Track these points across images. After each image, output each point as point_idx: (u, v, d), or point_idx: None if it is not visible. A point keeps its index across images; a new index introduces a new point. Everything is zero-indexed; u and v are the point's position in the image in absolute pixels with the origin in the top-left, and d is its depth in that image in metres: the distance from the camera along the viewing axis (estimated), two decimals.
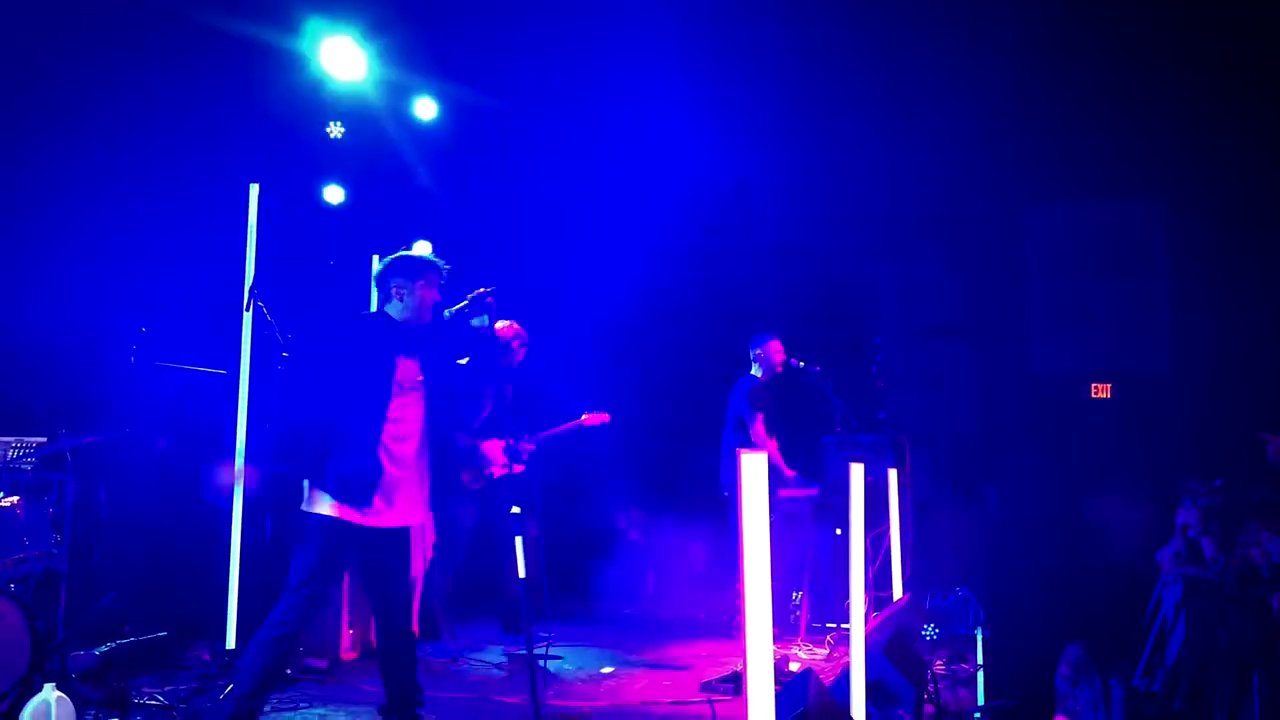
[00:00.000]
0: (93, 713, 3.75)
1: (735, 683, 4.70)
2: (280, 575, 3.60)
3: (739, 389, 6.17)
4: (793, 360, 6.20)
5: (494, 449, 5.56)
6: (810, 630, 6.07)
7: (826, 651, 5.62)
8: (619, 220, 7.84)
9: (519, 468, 5.67)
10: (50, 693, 3.39)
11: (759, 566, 2.20)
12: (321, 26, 6.10)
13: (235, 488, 4.73)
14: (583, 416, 6.03)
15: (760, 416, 6.04)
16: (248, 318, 4.81)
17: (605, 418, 6.08)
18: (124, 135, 5.82)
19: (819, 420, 6.50)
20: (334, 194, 7.23)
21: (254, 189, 4.95)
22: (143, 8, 5.64)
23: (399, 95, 7.07)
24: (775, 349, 6.22)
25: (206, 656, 4.78)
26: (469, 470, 5.49)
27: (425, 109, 7.20)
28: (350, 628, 5.15)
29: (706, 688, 4.76)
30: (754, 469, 2.19)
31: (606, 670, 5.29)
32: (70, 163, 5.67)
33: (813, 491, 6.31)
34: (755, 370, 6.25)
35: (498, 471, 5.56)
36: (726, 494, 6.14)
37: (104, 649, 4.29)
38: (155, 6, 5.60)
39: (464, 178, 7.79)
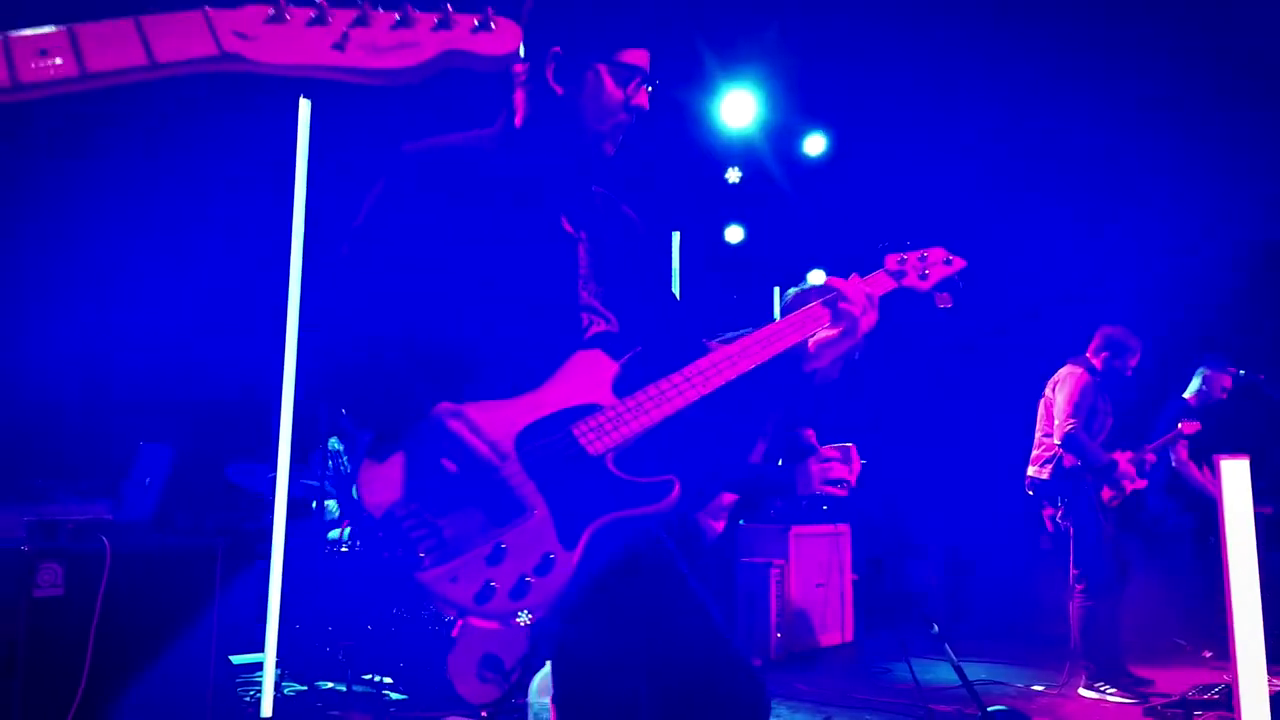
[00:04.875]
0: None
1: (1185, 708, 4.42)
2: None
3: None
4: (1234, 371, 5.76)
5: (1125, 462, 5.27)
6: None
7: None
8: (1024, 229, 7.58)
9: (1143, 482, 5.31)
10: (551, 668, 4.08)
11: (1246, 585, 2.09)
12: (719, 79, 6.68)
13: None
14: (1179, 425, 5.67)
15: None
16: None
17: (1197, 426, 5.69)
18: None
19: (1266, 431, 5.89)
20: (734, 234, 7.80)
21: (676, 236, 5.57)
22: None
23: (788, 135, 7.48)
24: (1224, 382, 5.84)
25: None
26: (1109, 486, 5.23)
27: (814, 145, 7.55)
28: (778, 631, 5.51)
29: (1152, 713, 4.52)
30: (1236, 479, 2.10)
31: (1037, 689, 5.18)
32: None
33: (1266, 510, 5.72)
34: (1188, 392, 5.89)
35: (1129, 487, 5.27)
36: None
37: None
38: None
39: (854, 207, 7.98)
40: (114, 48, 0.84)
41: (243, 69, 0.89)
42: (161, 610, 3.29)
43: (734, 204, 7.71)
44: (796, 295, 3.38)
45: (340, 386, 1.80)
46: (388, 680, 4.72)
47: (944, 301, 2.24)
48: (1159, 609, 6.06)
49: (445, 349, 1.79)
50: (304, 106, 4.60)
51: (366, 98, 5.15)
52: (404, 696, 4.69)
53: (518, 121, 1.93)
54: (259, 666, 4.34)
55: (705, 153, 7.17)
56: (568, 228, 1.93)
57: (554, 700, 1.95)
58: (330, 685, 4.78)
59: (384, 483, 1.65)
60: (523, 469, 1.69)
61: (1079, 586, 5.00)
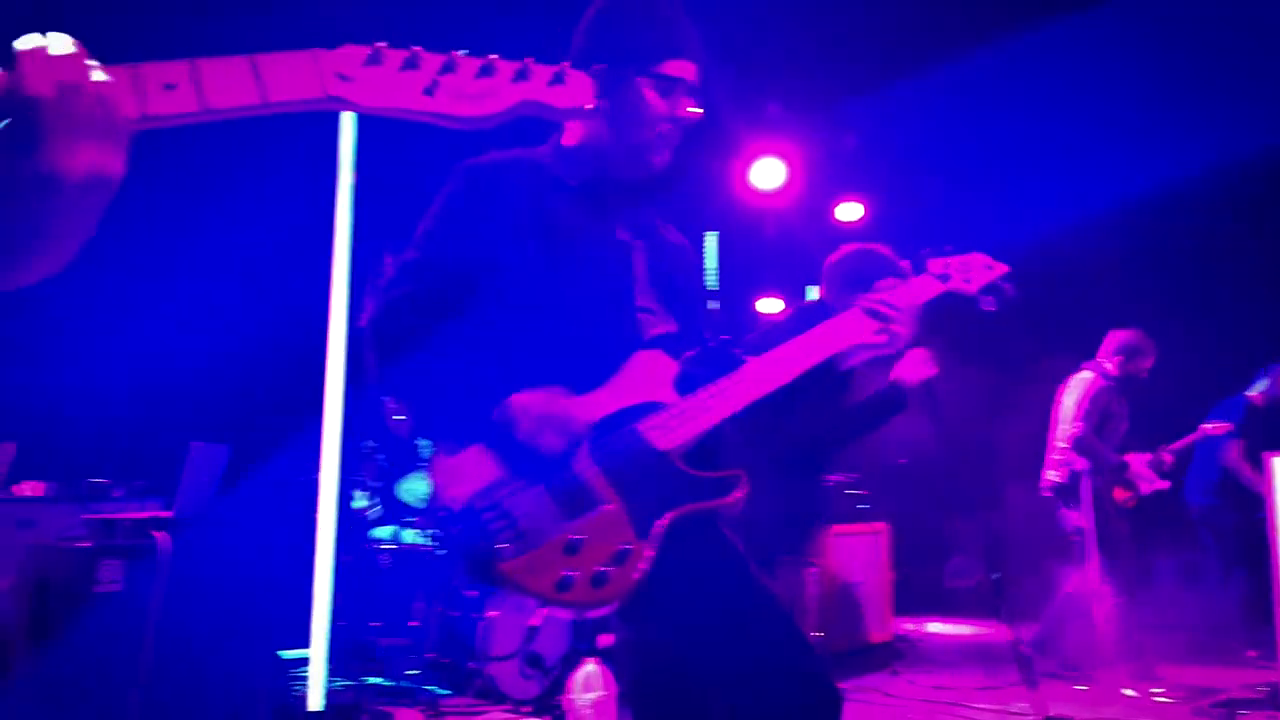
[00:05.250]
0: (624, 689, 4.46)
1: (1230, 707, 4.39)
2: None
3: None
4: None
5: (1140, 464, 5.34)
6: None
7: None
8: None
9: (1164, 483, 5.37)
10: (592, 666, 4.12)
11: None
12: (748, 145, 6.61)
13: None
14: (1206, 425, 5.66)
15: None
16: None
17: (1229, 426, 5.71)
18: None
19: None
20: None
21: (711, 237, 5.60)
22: None
23: (821, 199, 7.33)
24: None
25: None
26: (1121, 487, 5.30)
27: (849, 212, 7.37)
28: (817, 631, 5.51)
29: (1200, 713, 4.48)
30: None
31: (1080, 689, 5.15)
32: None
33: None
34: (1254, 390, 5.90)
35: (1145, 488, 5.33)
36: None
37: None
38: None
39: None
40: (232, 86, 0.90)
41: (343, 109, 0.97)
42: (214, 605, 3.37)
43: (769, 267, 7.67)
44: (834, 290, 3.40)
45: (411, 385, 1.84)
46: (433, 676, 4.80)
47: (989, 305, 2.27)
48: (1202, 608, 6.01)
49: (509, 351, 1.84)
50: (346, 120, 4.69)
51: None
52: (448, 692, 4.76)
53: (567, 139, 2.00)
54: (306, 662, 4.42)
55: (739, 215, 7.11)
56: (623, 236, 1.99)
57: (629, 699, 1.99)
58: (376, 681, 4.86)
59: (459, 475, 1.70)
60: (594, 462, 1.74)
61: (1100, 587, 5.02)
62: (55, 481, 4.46)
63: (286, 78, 0.92)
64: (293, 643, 4.98)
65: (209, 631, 3.32)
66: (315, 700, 4.27)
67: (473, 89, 1.01)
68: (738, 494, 1.78)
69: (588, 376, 1.83)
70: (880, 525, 6.23)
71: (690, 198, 6.18)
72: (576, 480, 1.72)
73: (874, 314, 2.02)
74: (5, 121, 0.82)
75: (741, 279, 7.24)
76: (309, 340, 5.10)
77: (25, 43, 0.83)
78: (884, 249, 3.58)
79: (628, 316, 1.93)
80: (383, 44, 0.97)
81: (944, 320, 2.37)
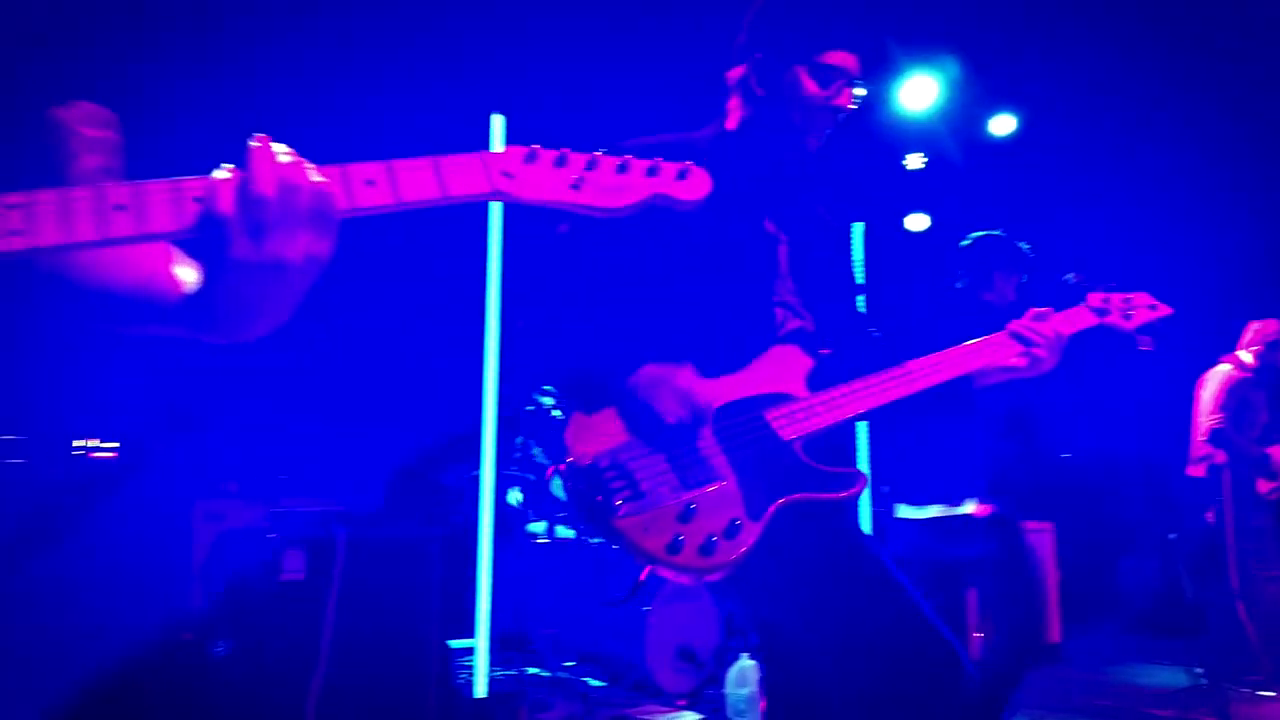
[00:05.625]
0: None
1: None
2: None
3: None
4: None
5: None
6: None
7: None
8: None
9: None
10: (746, 660, 4.13)
11: None
12: (898, 64, 6.52)
13: None
14: None
15: None
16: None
17: None
18: None
19: None
20: (918, 222, 7.61)
21: (857, 227, 5.49)
22: None
23: (974, 116, 7.20)
24: None
25: None
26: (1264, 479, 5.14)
27: (1002, 125, 7.23)
28: (978, 632, 5.34)
29: None
30: None
31: (1246, 692, 4.81)
32: None
33: None
34: None
35: None
36: None
37: None
38: None
39: (1047, 189, 7.62)
40: (419, 182, 1.06)
41: (505, 200, 1.11)
42: (386, 594, 3.55)
43: (916, 191, 7.53)
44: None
45: (559, 354, 1.93)
46: (589, 668, 4.90)
47: (1146, 344, 2.24)
48: None
49: (650, 329, 1.92)
50: (496, 122, 4.84)
51: (560, 112, 5.35)
52: (603, 684, 4.85)
53: (730, 124, 2.05)
54: (470, 651, 4.60)
55: (886, 139, 7.03)
56: (770, 228, 2.02)
57: (761, 686, 2.01)
58: (535, 672, 5.00)
59: (591, 433, 1.78)
60: (716, 441, 1.81)
61: (1249, 583, 4.81)
62: (241, 478, 4.80)
63: (461, 175, 1.08)
64: (458, 632, 5.20)
65: (381, 618, 3.50)
66: (479, 688, 4.43)
67: (611, 183, 1.15)
68: (853, 490, 1.83)
69: (721, 363, 1.89)
70: (1044, 524, 5.99)
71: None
72: (697, 455, 1.78)
73: (1022, 339, 2.05)
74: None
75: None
76: (465, 344, 5.33)
77: (256, 146, 0.97)
78: (1011, 239, 3.63)
79: (765, 309, 1.97)
80: (537, 145, 1.12)
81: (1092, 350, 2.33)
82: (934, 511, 3.48)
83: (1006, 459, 3.48)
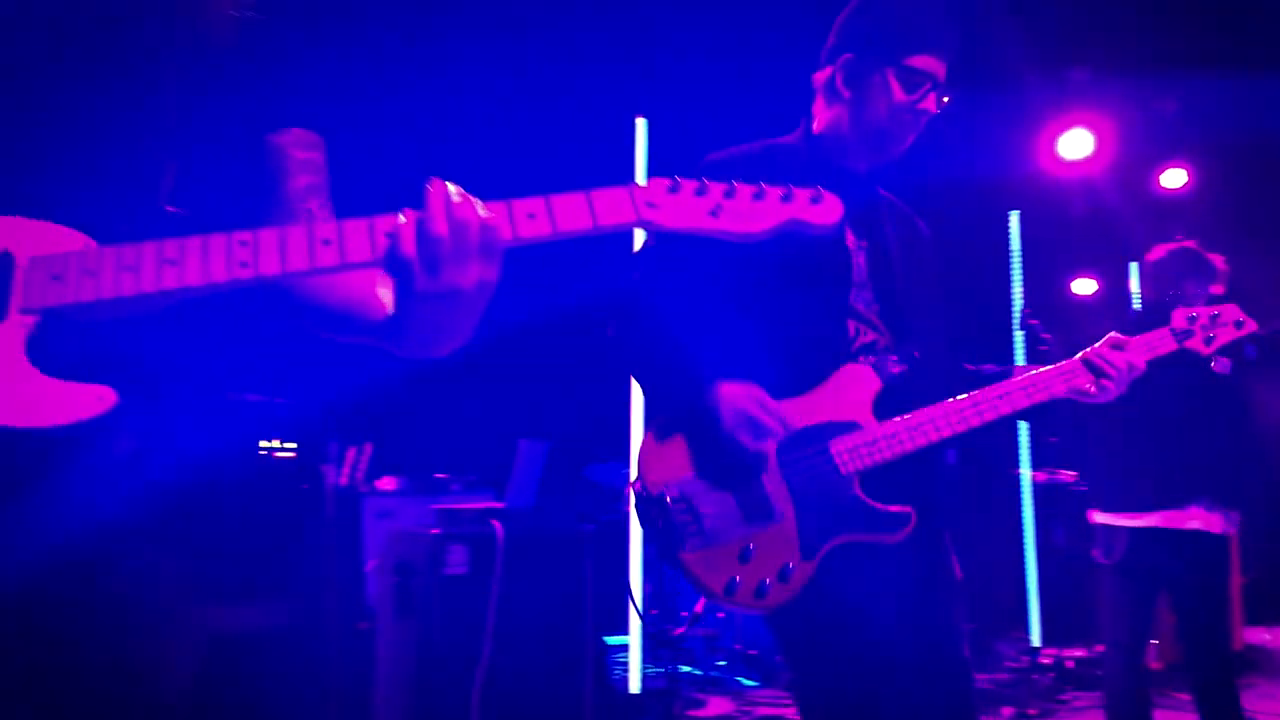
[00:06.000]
0: None
1: None
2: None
3: None
4: None
5: None
6: None
7: None
8: None
9: None
10: None
11: None
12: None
13: None
14: None
15: None
16: (1019, 337, 5.15)
17: None
18: None
19: None
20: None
21: (1014, 215, 5.29)
22: None
23: (1138, 168, 6.59)
24: None
25: (1012, 652, 5.15)
26: None
27: (1173, 179, 6.55)
28: (1155, 639, 5.06)
29: None
30: None
31: None
32: None
33: None
34: None
35: None
36: None
37: None
38: None
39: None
40: (574, 215, 1.15)
41: (649, 229, 1.21)
42: (543, 588, 3.65)
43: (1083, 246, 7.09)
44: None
45: (638, 373, 2.01)
46: (742, 667, 4.90)
47: (1222, 367, 2.25)
48: None
49: (725, 346, 1.92)
50: (640, 126, 4.91)
51: (700, 116, 5.37)
52: (755, 683, 4.85)
53: (815, 127, 2.07)
54: (624, 648, 4.67)
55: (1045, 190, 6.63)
56: (849, 236, 2.01)
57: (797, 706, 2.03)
58: (688, 670, 5.04)
59: (662, 461, 1.84)
60: (781, 477, 1.84)
61: None
62: (406, 476, 5.05)
63: (612, 208, 1.17)
64: (612, 629, 5.29)
65: (539, 613, 3.59)
66: (634, 684, 4.50)
67: (747, 209, 1.22)
68: (903, 532, 1.85)
69: (793, 382, 1.90)
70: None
71: (992, 175, 5.87)
72: (762, 489, 1.82)
73: (1094, 369, 2.03)
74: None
75: (1049, 259, 6.77)
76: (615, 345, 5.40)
77: (431, 190, 1.10)
78: (1197, 247, 3.54)
79: (839, 324, 1.96)
80: (678, 176, 1.21)
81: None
82: (1149, 520, 3.38)
83: (1237, 462, 3.41)
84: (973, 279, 5.95)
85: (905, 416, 1.90)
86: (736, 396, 1.80)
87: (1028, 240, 6.18)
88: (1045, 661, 5.03)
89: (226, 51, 1.26)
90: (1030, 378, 2.02)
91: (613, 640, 5.26)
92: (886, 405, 1.91)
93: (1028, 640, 5.29)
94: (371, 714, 3.65)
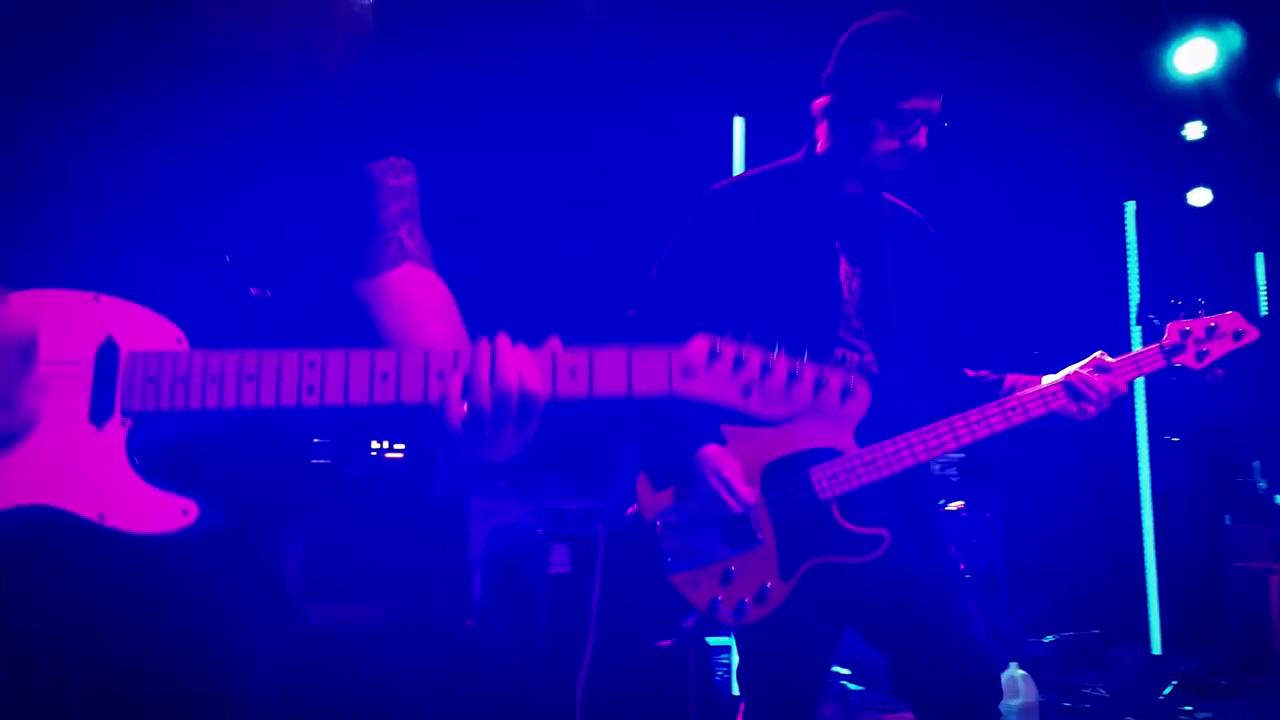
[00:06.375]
0: (1044, 696, 4.20)
1: None
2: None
3: None
4: None
5: None
6: None
7: None
8: None
9: None
10: (1016, 670, 3.92)
11: None
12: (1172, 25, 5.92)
13: None
14: None
15: None
16: (1138, 333, 4.93)
17: None
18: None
19: None
20: (1200, 197, 6.91)
21: (1130, 206, 5.09)
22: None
23: (1261, 78, 6.42)
24: None
25: (1132, 660, 4.96)
26: None
27: None
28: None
29: None
30: None
31: None
32: None
33: None
34: None
35: None
36: None
37: (1050, 639, 4.77)
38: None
39: None
40: (609, 378, 1.15)
41: (680, 398, 1.17)
42: (641, 588, 3.66)
43: (1196, 163, 6.83)
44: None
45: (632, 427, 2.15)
46: (845, 671, 4.83)
47: (1214, 379, 2.14)
48: None
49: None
50: (738, 125, 4.91)
51: (797, 114, 5.33)
52: (861, 688, 4.77)
53: (818, 149, 2.15)
54: (727, 649, 4.65)
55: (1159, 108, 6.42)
56: (843, 261, 2.11)
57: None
58: None
59: (655, 495, 2.04)
60: (763, 500, 2.00)
61: None
62: (510, 477, 5.13)
63: (646, 374, 1.16)
64: (715, 630, 5.28)
65: (641, 613, 3.61)
66: (736, 685, 4.48)
67: (778, 393, 1.19)
68: (875, 553, 1.98)
69: None
70: None
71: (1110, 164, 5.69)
72: (744, 516, 1.98)
73: (1075, 392, 2.07)
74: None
75: (1170, 249, 6.50)
76: None
77: (478, 352, 1.13)
78: None
79: (827, 352, 2.05)
80: (719, 341, 1.18)
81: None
82: None
83: None
84: (1087, 272, 5.77)
85: (883, 443, 2.01)
86: (716, 459, 1.96)
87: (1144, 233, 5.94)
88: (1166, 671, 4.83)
89: (333, 87, 1.29)
90: (1010, 401, 2.08)
91: (715, 641, 5.25)
92: (869, 430, 1.98)
93: (1148, 649, 5.08)
94: (476, 712, 3.74)
